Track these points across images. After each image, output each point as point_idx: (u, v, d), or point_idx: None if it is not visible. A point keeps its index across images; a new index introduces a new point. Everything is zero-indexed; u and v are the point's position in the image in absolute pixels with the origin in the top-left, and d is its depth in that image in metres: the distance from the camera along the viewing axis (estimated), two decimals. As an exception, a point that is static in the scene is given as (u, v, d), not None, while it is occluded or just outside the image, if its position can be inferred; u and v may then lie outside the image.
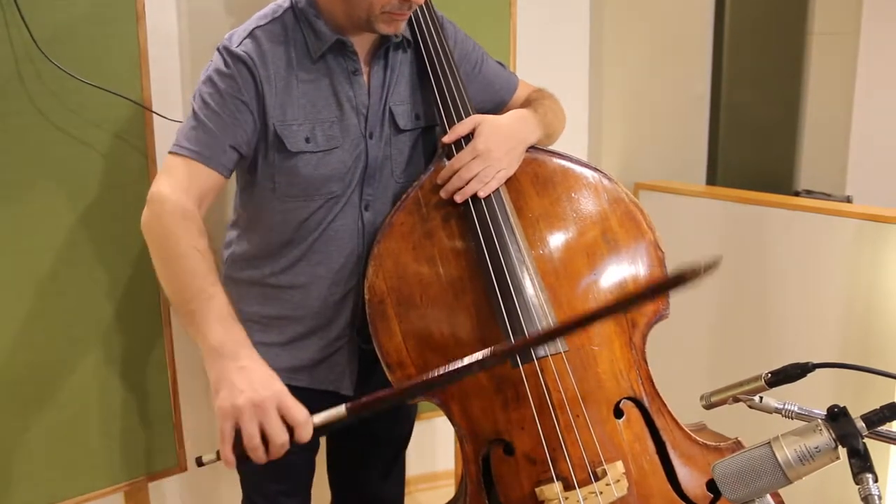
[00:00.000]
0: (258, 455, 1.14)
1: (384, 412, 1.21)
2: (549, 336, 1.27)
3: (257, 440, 1.13)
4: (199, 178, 1.32)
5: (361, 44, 1.41)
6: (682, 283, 0.98)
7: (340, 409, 1.15)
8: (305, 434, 1.15)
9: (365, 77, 1.42)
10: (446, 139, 1.42)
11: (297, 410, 1.15)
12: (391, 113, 1.44)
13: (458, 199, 1.38)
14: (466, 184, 1.38)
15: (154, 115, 1.73)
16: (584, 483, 1.29)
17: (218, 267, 1.55)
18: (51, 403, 1.67)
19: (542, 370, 1.32)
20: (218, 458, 1.17)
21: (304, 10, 1.38)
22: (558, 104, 1.59)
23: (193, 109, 1.36)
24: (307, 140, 1.37)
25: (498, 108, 1.58)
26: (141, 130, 1.71)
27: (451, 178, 1.39)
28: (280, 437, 1.14)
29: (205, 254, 1.25)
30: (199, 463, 1.19)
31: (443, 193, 1.40)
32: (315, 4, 1.38)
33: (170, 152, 1.35)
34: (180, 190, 1.30)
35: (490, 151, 1.38)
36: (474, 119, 1.42)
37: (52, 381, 1.66)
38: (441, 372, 1.14)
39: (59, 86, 1.59)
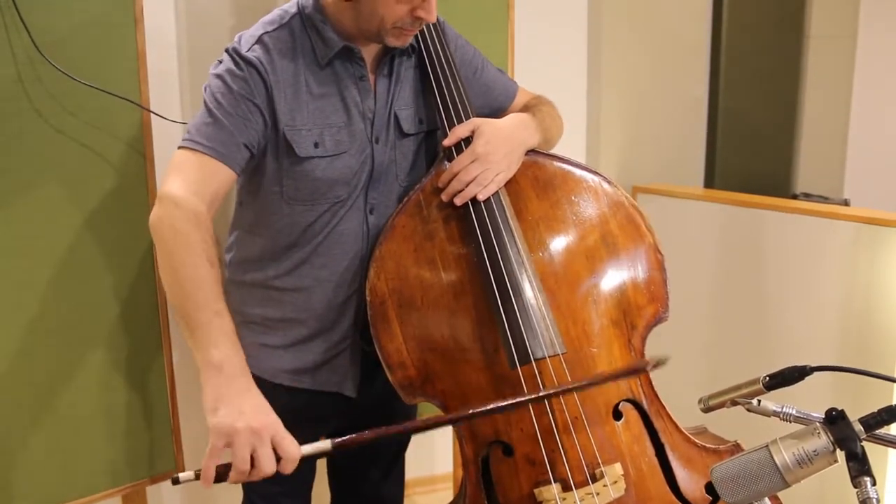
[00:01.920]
0: (241, 478, 1.16)
1: (370, 444, 1.22)
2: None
3: (247, 465, 1.15)
4: (213, 175, 1.30)
5: (368, 50, 1.41)
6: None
7: (326, 444, 1.17)
8: (289, 467, 1.17)
9: (371, 83, 1.42)
10: (446, 142, 1.42)
11: (290, 446, 1.17)
12: (396, 118, 1.44)
13: (458, 202, 1.38)
14: (466, 186, 1.38)
15: (153, 116, 1.73)
16: (581, 484, 1.30)
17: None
18: (50, 407, 1.67)
19: (540, 372, 1.33)
20: (197, 477, 1.17)
21: (311, 16, 1.38)
22: (556, 111, 1.60)
23: (206, 105, 1.34)
24: (316, 145, 1.37)
25: (496, 113, 1.58)
26: (139, 133, 1.71)
27: (450, 181, 1.39)
28: (269, 466, 1.15)
29: (214, 265, 1.24)
30: (176, 481, 1.19)
31: (443, 196, 1.40)
32: (322, 11, 1.38)
33: (182, 147, 1.32)
34: (192, 191, 1.27)
35: (489, 154, 1.39)
36: (473, 122, 1.42)
37: (51, 386, 1.66)
38: (425, 420, 1.20)
39: (59, 89, 1.59)
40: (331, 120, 1.39)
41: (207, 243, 1.24)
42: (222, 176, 1.31)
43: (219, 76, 1.36)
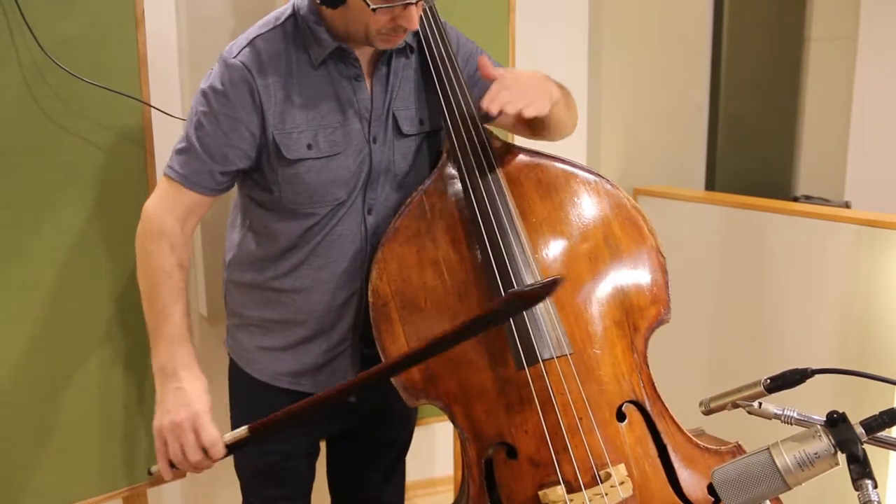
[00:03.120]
0: (186, 468, 1.29)
1: (302, 423, 1.30)
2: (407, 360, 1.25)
3: (180, 457, 1.28)
4: (184, 199, 1.38)
5: (363, 50, 1.41)
6: (520, 305, 1.09)
7: (242, 430, 1.26)
8: (216, 453, 1.27)
9: (367, 82, 1.42)
10: (486, 103, 1.32)
11: (206, 433, 1.27)
12: (395, 118, 1.44)
13: (510, 109, 1.30)
14: (514, 97, 1.31)
15: (153, 113, 1.74)
16: (589, 485, 1.30)
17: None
18: (51, 408, 1.67)
19: (547, 372, 1.33)
20: None
21: (305, 17, 1.38)
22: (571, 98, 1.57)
23: (187, 127, 1.39)
24: (309, 147, 1.37)
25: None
26: (141, 135, 1.72)
27: (497, 94, 1.31)
28: (192, 455, 1.27)
29: (171, 272, 1.34)
30: (149, 473, 1.33)
31: (493, 107, 1.31)
32: (317, 12, 1.38)
33: (164, 171, 1.41)
34: (163, 208, 1.38)
35: (518, 81, 1.35)
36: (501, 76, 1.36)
37: (51, 387, 1.66)
38: (360, 377, 1.23)
39: (64, 90, 1.60)
40: (325, 121, 1.39)
41: (165, 253, 1.35)
42: (194, 200, 1.39)
43: (204, 93, 1.37)
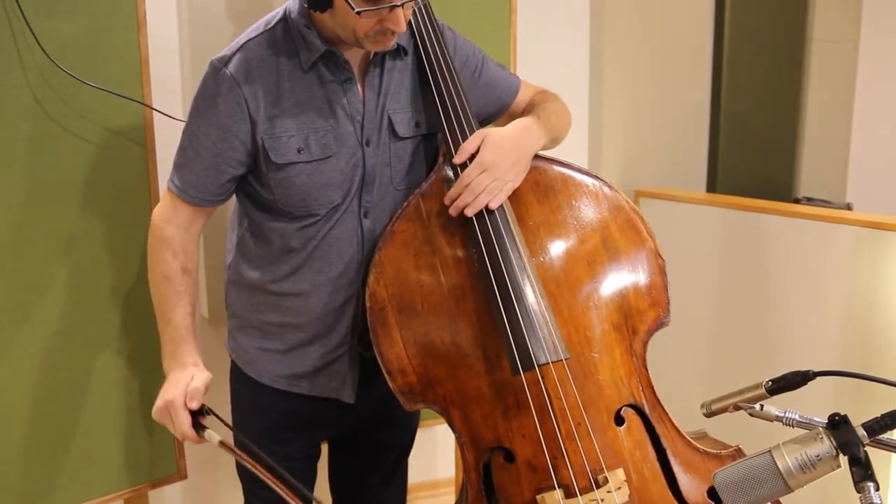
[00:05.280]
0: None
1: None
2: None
3: (174, 432, 1.37)
4: (183, 209, 1.43)
5: (354, 53, 1.41)
6: None
7: (215, 437, 1.32)
8: (188, 440, 1.36)
9: (359, 85, 1.42)
10: (456, 160, 1.41)
11: (178, 423, 1.34)
12: (389, 120, 1.44)
13: (469, 213, 1.37)
14: (476, 198, 1.37)
15: (155, 115, 1.74)
16: (585, 490, 1.29)
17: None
18: (52, 411, 1.67)
19: (543, 377, 1.32)
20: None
21: (296, 20, 1.38)
22: (561, 104, 1.58)
23: (182, 138, 1.41)
24: (299, 150, 1.37)
25: (500, 111, 1.58)
26: (142, 136, 1.72)
27: (460, 194, 1.38)
28: (177, 434, 1.36)
29: (171, 278, 1.42)
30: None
31: (452, 211, 1.39)
32: (307, 15, 1.38)
33: (167, 183, 1.45)
34: (165, 218, 1.44)
35: (497, 165, 1.38)
36: (479, 134, 1.41)
37: (53, 389, 1.66)
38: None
39: (66, 92, 1.60)
40: (316, 124, 1.38)
41: (168, 260, 1.42)
42: (193, 211, 1.43)
43: (194, 105, 1.39)
